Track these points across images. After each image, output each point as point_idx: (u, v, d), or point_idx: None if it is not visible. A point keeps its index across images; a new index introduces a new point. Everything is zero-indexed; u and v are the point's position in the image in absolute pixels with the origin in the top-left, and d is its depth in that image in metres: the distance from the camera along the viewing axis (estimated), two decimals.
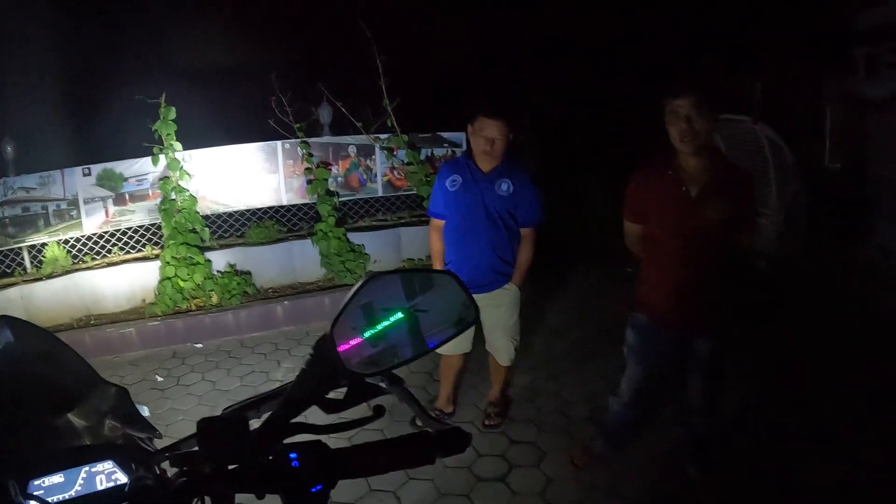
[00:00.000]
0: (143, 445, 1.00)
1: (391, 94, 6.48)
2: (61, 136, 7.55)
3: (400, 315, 0.89)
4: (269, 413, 0.88)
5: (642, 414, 3.54)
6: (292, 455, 0.80)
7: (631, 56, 8.49)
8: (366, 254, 6.57)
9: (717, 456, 3.47)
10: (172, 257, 6.04)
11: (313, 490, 0.78)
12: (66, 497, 0.85)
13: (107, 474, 0.88)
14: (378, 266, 6.67)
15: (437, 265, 3.79)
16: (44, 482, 0.85)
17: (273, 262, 6.47)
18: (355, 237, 6.59)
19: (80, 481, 0.86)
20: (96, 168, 6.24)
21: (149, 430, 1.02)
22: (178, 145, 6.11)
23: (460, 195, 3.57)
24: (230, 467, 0.79)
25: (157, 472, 0.91)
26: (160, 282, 6.11)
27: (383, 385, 0.91)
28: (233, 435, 0.80)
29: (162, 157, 6.12)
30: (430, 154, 6.83)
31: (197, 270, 6.07)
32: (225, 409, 0.93)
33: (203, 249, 6.21)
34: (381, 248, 6.66)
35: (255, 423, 0.88)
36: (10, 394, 0.97)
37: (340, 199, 6.67)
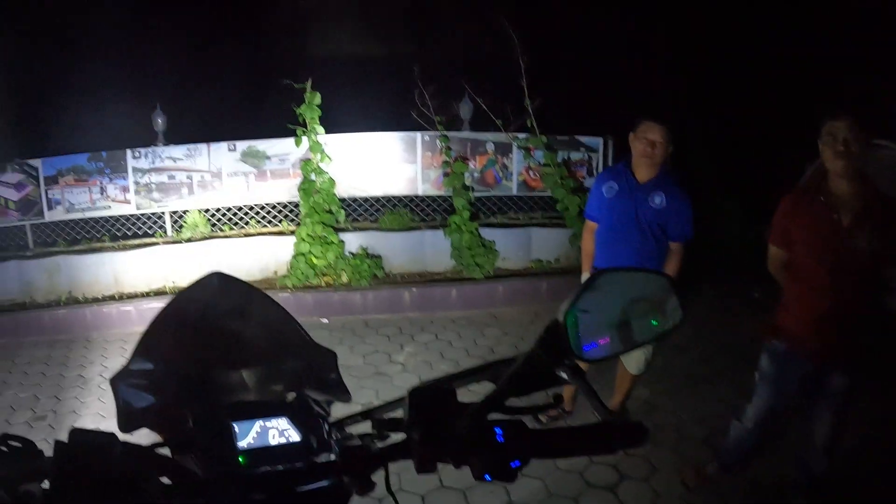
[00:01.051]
0: (317, 408, 1.02)
1: (532, 94, 6.47)
2: (210, 112, 7.81)
3: (621, 308, 0.94)
4: (468, 386, 0.95)
5: (761, 442, 3.33)
6: (497, 430, 0.83)
7: (773, 73, 8.33)
8: (495, 250, 6.52)
9: (828, 495, 3.28)
10: (308, 234, 6.14)
11: (512, 465, 0.82)
12: (242, 447, 0.89)
13: (280, 430, 0.92)
14: (506, 263, 6.59)
15: (587, 265, 3.90)
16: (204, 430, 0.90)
17: (404, 249, 6.51)
18: (486, 233, 6.56)
19: (253, 434, 0.89)
20: (241, 144, 6.47)
21: (343, 394, 1.04)
22: (320, 129, 6.30)
23: (615, 202, 3.64)
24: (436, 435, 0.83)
25: (329, 435, 0.95)
26: (294, 256, 6.20)
27: (564, 376, 0.93)
28: (443, 404, 0.86)
29: (305, 139, 6.31)
30: (566, 157, 6.80)
31: (330, 249, 6.15)
32: (427, 380, 0.96)
33: (337, 230, 6.33)
34: (510, 246, 6.62)
35: None
36: (204, 343, 1.00)
37: (475, 195, 6.64)
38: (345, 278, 6.17)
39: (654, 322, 0.94)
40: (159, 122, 6.56)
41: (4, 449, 0.88)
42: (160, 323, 0.98)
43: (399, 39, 8.87)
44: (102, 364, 5.60)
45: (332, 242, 6.17)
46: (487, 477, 0.81)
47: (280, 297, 6.02)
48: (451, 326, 5.83)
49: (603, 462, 3.69)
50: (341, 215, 6.29)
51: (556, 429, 0.90)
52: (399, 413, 0.91)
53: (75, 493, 0.74)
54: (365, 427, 0.97)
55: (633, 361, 3.82)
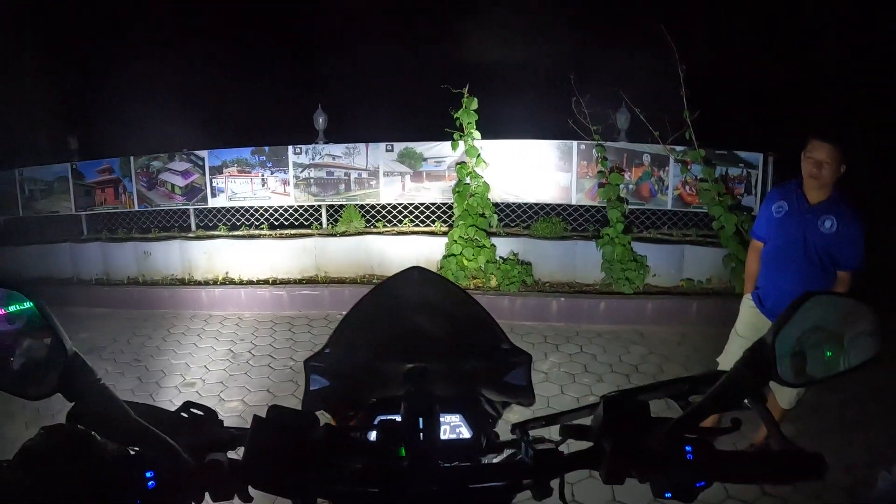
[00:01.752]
0: (490, 409, 1.02)
1: (691, 104, 6.26)
2: (368, 113, 8.03)
3: (824, 332, 0.89)
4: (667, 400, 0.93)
5: None
6: (687, 448, 0.81)
7: None
8: (646, 266, 6.40)
9: None
10: (460, 237, 6.22)
11: (697, 485, 0.80)
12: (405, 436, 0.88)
13: (452, 426, 0.94)
14: (656, 280, 6.45)
15: (749, 286, 3.72)
16: (396, 419, 0.89)
17: (554, 258, 6.53)
18: (638, 247, 6.45)
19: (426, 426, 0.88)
20: (399, 146, 6.66)
21: (527, 397, 1.03)
22: (476, 134, 6.39)
23: (783, 223, 3.49)
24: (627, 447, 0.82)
25: (495, 435, 0.94)
26: (445, 257, 6.30)
27: (746, 401, 0.90)
28: (637, 416, 0.84)
29: (461, 143, 6.35)
30: (724, 172, 6.56)
31: (482, 253, 6.20)
32: (615, 390, 0.94)
33: (489, 234, 6.38)
34: (662, 263, 6.47)
35: None
36: (395, 334, 1.01)
37: (629, 207, 6.52)
38: (494, 283, 6.23)
39: (845, 353, 0.89)
40: (320, 121, 6.84)
41: (185, 416, 0.91)
42: (357, 312, 1.00)
43: (556, 46, 8.79)
44: (252, 342, 5.94)
45: (484, 246, 6.25)
46: (668, 495, 0.80)
47: None
48: (596, 340, 5.78)
49: (738, 497, 3.59)
50: (494, 220, 6.36)
51: (738, 452, 0.87)
52: (586, 420, 0.90)
53: (269, 466, 0.77)
54: (543, 432, 0.95)
55: (786, 395, 3.66)
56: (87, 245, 8.08)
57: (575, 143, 6.63)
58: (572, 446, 0.87)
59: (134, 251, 7.68)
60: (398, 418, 0.88)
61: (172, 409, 0.92)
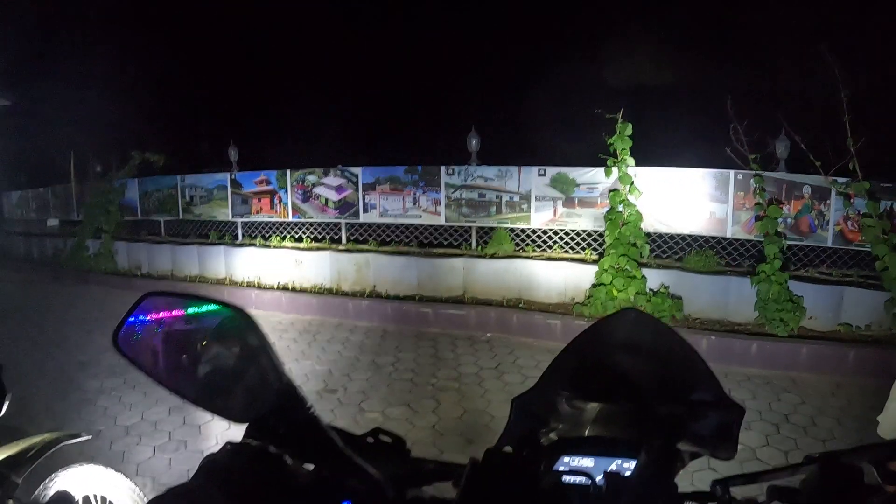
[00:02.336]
0: (675, 459, 0.95)
1: (856, 132, 5.94)
2: (522, 136, 8.18)
3: None
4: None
5: None
6: None
7: None
8: (803, 307, 6.16)
9: None
10: (611, 266, 6.22)
11: None
12: (585, 482, 0.84)
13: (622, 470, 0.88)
14: (812, 323, 6.19)
15: None
16: (574, 461, 0.86)
17: (706, 293, 6.41)
18: (795, 286, 6.24)
19: (608, 469, 0.85)
20: (551, 170, 6.76)
21: (727, 451, 0.94)
22: (630, 160, 6.38)
23: None
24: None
25: (674, 486, 0.88)
26: (594, 286, 6.31)
27: None
28: (858, 480, 0.78)
29: (615, 169, 6.38)
30: (889, 207, 6.21)
31: (632, 284, 6.18)
32: (822, 451, 0.88)
33: (640, 265, 6.30)
34: (819, 305, 6.23)
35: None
36: (601, 375, 0.97)
37: (786, 242, 6.30)
38: None
39: None
40: (473, 142, 7.01)
41: (371, 440, 0.90)
42: (568, 352, 0.99)
43: (713, 70, 8.61)
44: (395, 355, 6.13)
45: (635, 277, 6.21)
46: None
47: (576, 323, 6.18)
48: (745, 384, 5.60)
49: None
50: (646, 250, 6.33)
51: None
52: (793, 481, 0.84)
53: None
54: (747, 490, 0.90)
55: None
56: (242, 249, 8.61)
57: (732, 172, 6.50)
58: None
59: (286, 258, 8.11)
60: (585, 461, 0.86)
61: (360, 432, 0.91)
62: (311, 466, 0.79)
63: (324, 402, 5.04)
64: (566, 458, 0.86)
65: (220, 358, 0.89)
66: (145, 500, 2.31)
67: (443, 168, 7.16)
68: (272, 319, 7.36)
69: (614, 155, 6.44)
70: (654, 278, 6.47)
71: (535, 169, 6.80)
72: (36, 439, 2.05)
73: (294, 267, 8.06)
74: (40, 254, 12.66)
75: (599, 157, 6.50)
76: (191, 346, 0.90)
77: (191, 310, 0.92)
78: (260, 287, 8.19)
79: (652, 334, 0.96)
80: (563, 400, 0.95)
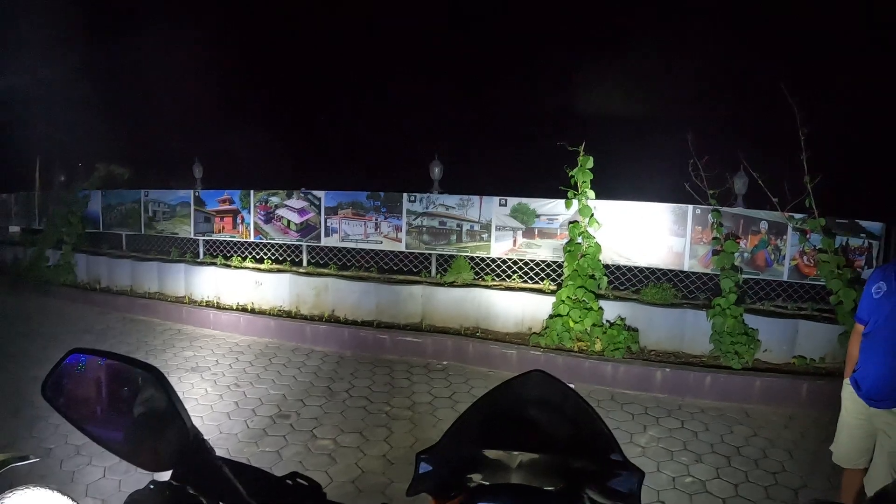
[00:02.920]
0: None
1: (813, 169, 6.05)
2: (482, 166, 8.20)
3: None
4: None
5: None
6: None
7: None
8: (757, 340, 6.25)
9: None
10: (568, 297, 6.27)
11: None
12: None
13: None
14: (766, 356, 6.27)
15: (849, 370, 3.58)
16: None
17: (662, 326, 6.50)
18: (750, 320, 6.34)
19: None
20: (512, 201, 6.84)
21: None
22: (591, 193, 6.47)
23: (882, 303, 3.36)
24: None
25: None
26: (551, 317, 6.36)
27: None
28: None
29: (575, 201, 6.42)
30: (844, 243, 6.33)
31: (589, 315, 6.23)
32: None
33: (598, 296, 6.34)
34: (773, 338, 6.33)
35: None
36: (506, 428, 0.99)
37: (742, 276, 6.37)
38: (599, 346, 6.23)
39: None
40: (436, 170, 7.03)
41: (290, 482, 0.94)
42: (473, 409, 1.00)
43: (673, 105, 8.71)
44: (350, 381, 6.13)
45: (592, 308, 6.26)
46: None
47: (531, 353, 6.24)
48: (699, 416, 5.66)
49: None
50: (603, 282, 6.39)
51: None
52: None
53: None
54: None
55: (874, 483, 3.45)
56: (202, 268, 8.56)
57: (690, 207, 6.57)
58: None
59: (246, 279, 8.05)
60: None
61: (279, 474, 0.97)
62: None
63: (277, 428, 5.05)
64: None
65: (132, 413, 0.93)
66: None
67: (405, 195, 7.18)
68: (229, 340, 7.34)
69: (575, 187, 6.49)
70: (612, 310, 6.54)
71: (496, 199, 6.84)
72: None
73: (254, 288, 8.01)
74: None
75: (560, 188, 6.54)
76: (112, 400, 0.97)
77: (109, 369, 0.98)
78: (219, 307, 8.12)
79: (558, 395, 0.98)
80: (475, 450, 0.96)
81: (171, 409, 0.88)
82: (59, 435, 4.80)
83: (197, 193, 8.82)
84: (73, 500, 2.32)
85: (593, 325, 6.31)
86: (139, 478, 4.13)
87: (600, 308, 6.40)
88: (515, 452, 0.95)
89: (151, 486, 0.83)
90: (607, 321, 6.47)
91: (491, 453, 0.96)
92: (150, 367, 0.94)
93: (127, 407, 0.95)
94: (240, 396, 5.73)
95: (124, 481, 4.13)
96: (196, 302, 8.42)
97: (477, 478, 0.96)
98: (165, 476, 0.88)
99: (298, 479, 0.94)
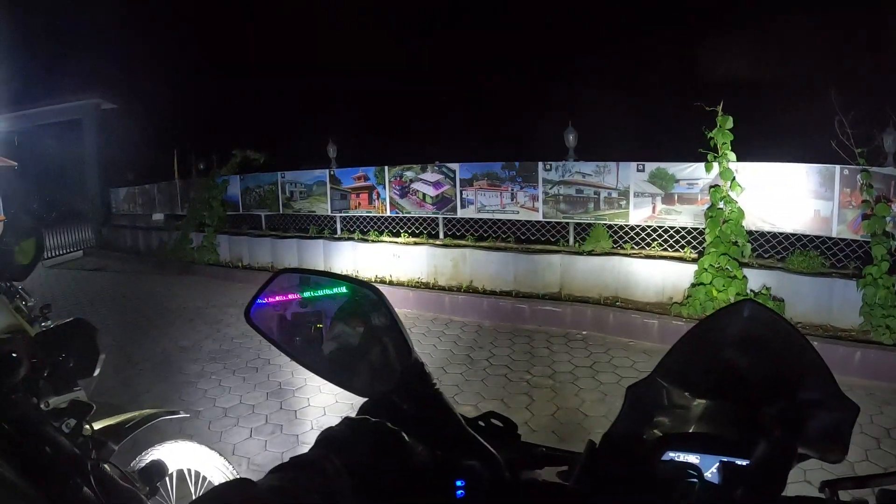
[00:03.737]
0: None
1: None
2: (620, 131, 8.19)
3: None
4: None
5: None
6: None
7: None
8: None
9: None
10: (711, 265, 6.20)
11: None
12: (692, 476, 0.81)
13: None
14: None
15: None
16: (678, 456, 0.84)
17: (809, 296, 6.27)
18: None
19: (713, 469, 0.82)
20: (650, 166, 6.80)
21: (836, 452, 0.88)
22: (731, 155, 6.30)
23: None
24: None
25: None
26: (693, 285, 6.30)
27: None
28: None
29: (715, 164, 6.27)
30: None
31: (733, 284, 6.14)
32: None
33: (741, 264, 6.24)
34: None
35: None
36: (710, 369, 0.94)
37: None
38: None
39: None
40: (571, 138, 7.08)
41: (482, 424, 0.91)
42: (683, 343, 0.97)
43: (817, 60, 8.37)
44: (490, 350, 6.20)
45: (736, 277, 6.18)
46: None
47: (673, 323, 6.18)
48: (848, 394, 5.37)
49: None
50: (747, 249, 6.26)
51: None
52: None
53: (605, 496, 0.75)
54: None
55: None
56: (340, 243, 9.00)
57: (837, 167, 6.31)
58: None
59: (384, 252, 8.41)
60: (690, 458, 0.85)
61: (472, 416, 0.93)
62: (430, 447, 0.80)
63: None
64: (671, 454, 0.85)
65: (348, 333, 0.91)
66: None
67: (540, 164, 7.29)
68: None
69: (714, 150, 6.37)
70: (756, 279, 6.41)
71: (633, 164, 6.83)
72: (136, 413, 2.13)
73: (391, 261, 8.36)
74: (146, 246, 13.52)
75: (700, 152, 6.44)
76: (320, 321, 0.94)
77: (322, 288, 0.96)
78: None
79: (767, 327, 0.93)
80: (673, 394, 0.94)
81: (393, 329, 0.85)
82: (208, 398, 5.24)
83: (332, 172, 9.25)
84: (220, 455, 2.52)
85: (737, 294, 6.20)
86: (284, 439, 4.44)
87: (744, 277, 6.29)
88: (712, 399, 0.92)
89: (347, 422, 0.79)
90: (751, 290, 6.35)
91: (689, 397, 0.93)
92: (369, 285, 0.90)
93: (342, 327, 0.92)
94: None
95: (270, 442, 4.41)
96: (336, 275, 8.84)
97: (670, 424, 0.93)
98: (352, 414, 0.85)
99: (493, 420, 0.93)
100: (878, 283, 5.76)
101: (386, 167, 8.57)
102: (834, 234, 6.37)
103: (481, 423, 0.92)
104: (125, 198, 15.47)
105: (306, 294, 0.97)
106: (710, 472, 0.83)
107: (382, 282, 8.32)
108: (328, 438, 0.76)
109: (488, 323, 7.05)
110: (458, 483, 0.76)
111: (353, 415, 0.83)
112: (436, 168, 8.07)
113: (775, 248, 6.70)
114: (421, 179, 8.22)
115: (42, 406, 1.59)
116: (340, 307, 0.93)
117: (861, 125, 6.13)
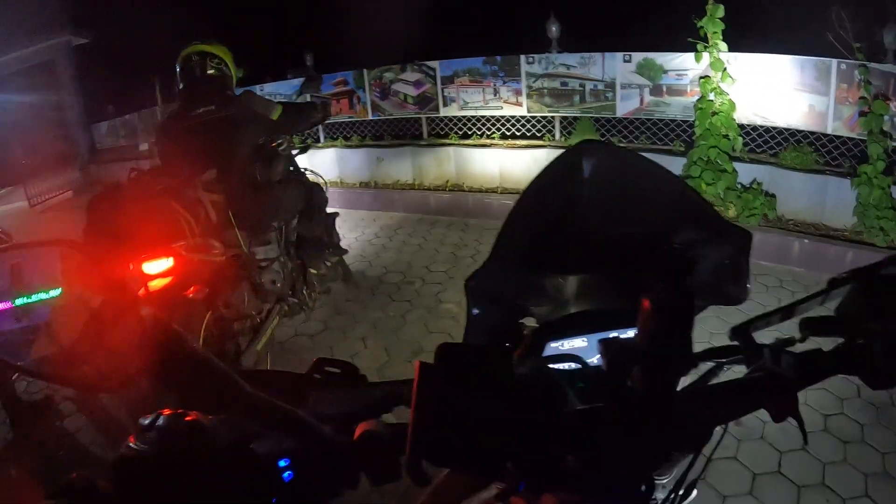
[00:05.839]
0: None
1: None
2: (604, 21, 7.80)
3: None
4: None
5: None
6: None
7: None
8: None
9: None
10: (700, 158, 5.99)
11: None
12: (589, 362, 0.71)
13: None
14: None
15: None
16: (562, 345, 0.76)
17: (802, 194, 6.06)
18: None
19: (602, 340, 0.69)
20: (637, 56, 6.53)
21: (740, 290, 0.80)
22: (722, 45, 5.97)
23: None
24: None
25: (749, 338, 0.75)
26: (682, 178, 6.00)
27: None
28: None
29: (705, 55, 5.94)
30: None
31: (722, 178, 5.94)
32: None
33: (732, 158, 5.99)
34: None
35: None
36: (561, 235, 0.80)
37: (893, 144, 5.82)
38: (732, 212, 5.93)
39: None
40: (553, 29, 6.73)
41: (318, 377, 0.76)
42: (518, 212, 0.81)
43: None
44: (475, 248, 6.19)
45: (726, 171, 5.93)
46: None
47: None
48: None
49: None
50: (738, 143, 6.00)
51: None
52: (827, 309, 0.74)
53: (451, 430, 0.55)
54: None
55: None
56: (324, 151, 8.71)
57: (834, 61, 6.01)
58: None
59: (367, 157, 8.17)
60: (576, 342, 0.76)
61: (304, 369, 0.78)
62: (238, 430, 0.64)
63: (401, 293, 5.23)
64: (553, 344, 0.75)
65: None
66: None
67: (523, 57, 6.95)
68: (355, 216, 7.55)
69: (704, 39, 6.04)
70: (746, 173, 6.18)
71: (619, 55, 6.49)
72: None
73: (376, 165, 8.11)
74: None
75: (689, 41, 6.11)
76: None
77: None
78: (342, 185, 8.29)
79: (614, 168, 0.79)
80: (529, 274, 0.82)
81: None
82: None
83: None
84: None
85: (727, 188, 5.98)
86: None
87: (734, 171, 6.04)
88: (573, 271, 0.82)
89: (146, 423, 0.62)
90: (741, 185, 6.12)
91: (547, 275, 0.82)
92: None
93: None
94: (365, 266, 5.90)
95: None
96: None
97: (544, 310, 0.82)
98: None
99: (327, 368, 0.77)
100: (873, 183, 5.53)
101: (365, 70, 8.21)
102: (829, 131, 6.10)
103: (317, 375, 0.76)
104: (108, 131, 15.04)
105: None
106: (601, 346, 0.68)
107: (367, 185, 8.12)
108: (122, 461, 0.57)
109: (473, 221, 6.89)
110: (282, 463, 0.62)
111: None
112: (415, 67, 7.73)
113: (768, 143, 6.45)
114: (401, 80, 7.88)
115: None
116: None
117: (860, 20, 5.83)
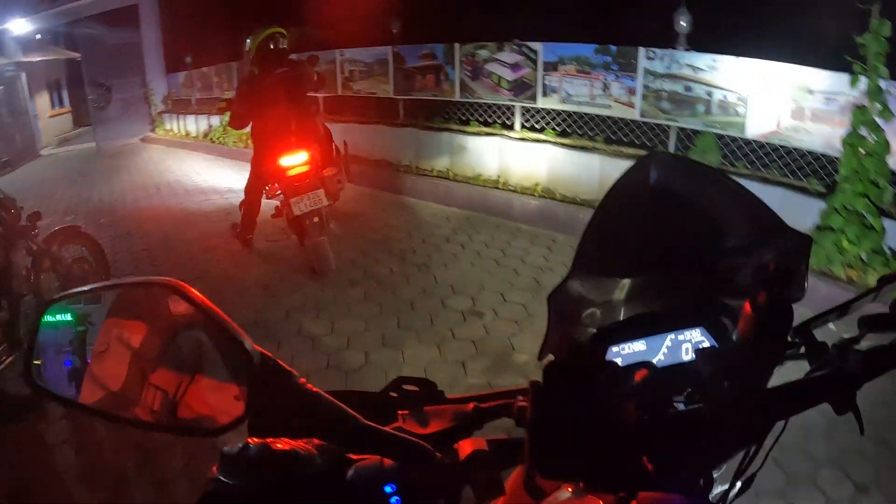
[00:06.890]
0: (726, 319, 0.81)
1: None
2: (748, 19, 6.73)
3: None
4: None
5: None
6: None
7: None
8: None
9: None
10: (843, 206, 4.89)
11: None
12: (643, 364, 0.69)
13: (693, 343, 0.79)
14: None
15: None
16: (623, 349, 0.78)
17: None
18: None
19: (663, 349, 0.77)
20: (779, 68, 5.40)
21: (796, 290, 0.77)
22: (883, 70, 4.85)
23: None
24: None
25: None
26: (818, 228, 5.02)
27: None
28: None
29: (863, 78, 4.84)
30: None
31: (868, 237, 4.80)
32: None
33: (880, 212, 4.85)
34: None
35: None
36: (630, 245, 0.80)
37: None
38: (872, 279, 4.79)
39: None
40: (682, 22, 5.70)
41: (395, 395, 0.76)
42: (592, 227, 0.78)
43: None
44: (562, 273, 5.29)
45: (873, 228, 4.83)
46: None
47: None
48: None
49: None
50: (888, 194, 4.88)
51: None
52: (881, 306, 0.76)
53: (565, 445, 0.58)
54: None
55: None
56: (401, 130, 8.12)
57: None
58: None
59: (448, 142, 7.47)
60: (635, 346, 0.77)
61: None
62: (334, 456, 0.63)
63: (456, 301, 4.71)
64: (614, 349, 0.77)
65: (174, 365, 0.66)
66: None
67: (642, 50, 5.92)
68: (426, 211, 6.92)
69: (864, 60, 4.96)
70: (895, 234, 4.93)
71: (757, 63, 5.44)
72: None
73: (456, 153, 7.39)
74: (201, 131, 13.86)
75: (846, 59, 5.04)
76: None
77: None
78: (417, 173, 7.72)
79: (682, 175, 0.81)
80: (596, 284, 0.82)
81: (223, 334, 0.61)
82: None
83: (395, 49, 8.17)
84: None
85: (871, 251, 4.89)
86: None
87: (883, 229, 4.90)
88: (638, 274, 0.81)
89: (226, 457, 0.59)
90: (889, 248, 5.00)
91: (611, 283, 0.82)
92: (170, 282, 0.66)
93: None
94: (428, 282, 5.16)
95: None
96: (393, 166, 8.03)
97: (603, 317, 0.83)
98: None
99: (405, 386, 0.76)
100: None
101: (456, 44, 7.38)
102: None
103: (393, 394, 0.76)
104: (184, 81, 15.46)
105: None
106: (665, 351, 0.78)
107: (444, 177, 7.44)
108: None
109: (562, 236, 5.95)
110: (388, 489, 0.62)
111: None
112: (515, 47, 6.85)
113: None
114: (497, 60, 7.02)
115: None
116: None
117: None
